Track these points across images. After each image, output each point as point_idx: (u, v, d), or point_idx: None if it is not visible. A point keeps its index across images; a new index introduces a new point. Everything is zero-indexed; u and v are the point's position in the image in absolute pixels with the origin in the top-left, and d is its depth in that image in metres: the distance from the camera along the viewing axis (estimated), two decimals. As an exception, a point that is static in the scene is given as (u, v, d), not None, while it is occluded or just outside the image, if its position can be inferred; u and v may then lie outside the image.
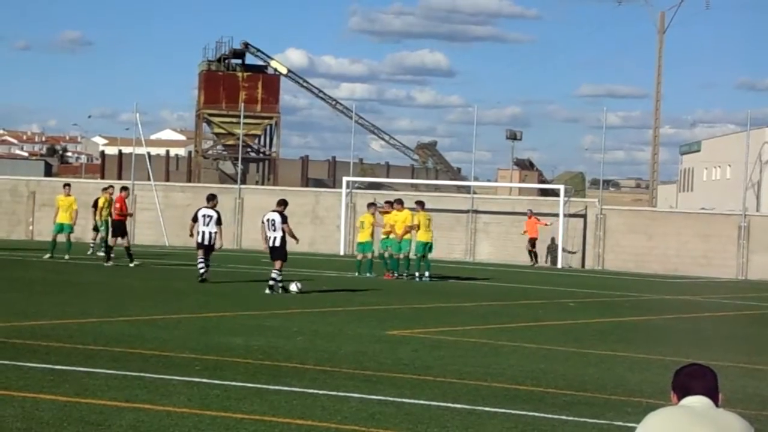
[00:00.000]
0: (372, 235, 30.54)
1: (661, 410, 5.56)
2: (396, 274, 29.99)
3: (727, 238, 43.26)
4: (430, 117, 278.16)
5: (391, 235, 29.95)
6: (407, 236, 29.93)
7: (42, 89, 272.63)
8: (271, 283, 22.93)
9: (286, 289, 22.90)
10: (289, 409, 10.11)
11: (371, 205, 32.32)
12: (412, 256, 30.27)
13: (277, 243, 23.17)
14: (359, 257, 30.94)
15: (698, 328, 21.39)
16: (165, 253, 38.49)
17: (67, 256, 31.10)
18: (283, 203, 23.92)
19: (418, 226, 29.96)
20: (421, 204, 31.10)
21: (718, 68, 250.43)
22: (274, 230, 23.22)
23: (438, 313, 21.45)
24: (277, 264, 23.05)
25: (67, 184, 34.07)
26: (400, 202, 30.75)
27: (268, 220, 23.44)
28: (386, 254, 30.28)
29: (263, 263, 34.02)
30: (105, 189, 34.63)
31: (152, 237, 45.52)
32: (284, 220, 23.30)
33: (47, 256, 31.17)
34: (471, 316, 20.87)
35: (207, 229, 24.97)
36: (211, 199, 26.27)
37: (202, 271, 24.78)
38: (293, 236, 23.52)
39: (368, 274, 30.05)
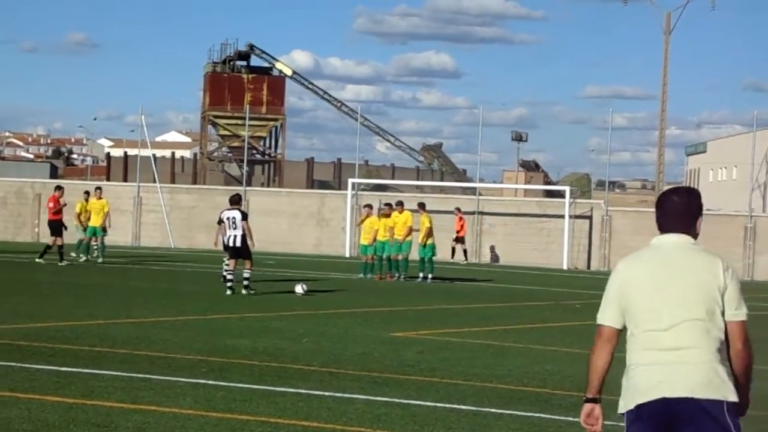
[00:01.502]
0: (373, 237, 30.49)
1: (631, 256, 5.61)
2: (398, 276, 29.96)
3: (733, 239, 43.19)
4: (436, 118, 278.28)
5: (392, 237, 29.91)
6: (408, 238, 29.94)
7: (48, 91, 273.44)
8: (246, 283, 22.42)
9: (230, 288, 22.37)
10: (295, 410, 10.12)
11: (367, 206, 32.60)
12: (418, 257, 30.25)
13: (239, 242, 22.56)
14: (363, 259, 31.03)
15: (704, 329, 21.36)
16: (170, 255, 38.51)
17: (83, 258, 31.37)
18: (238, 200, 23.27)
19: (431, 230, 30.15)
20: (422, 206, 31.11)
21: (724, 69, 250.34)
22: (235, 228, 22.58)
23: (443, 314, 21.45)
24: (247, 263, 22.59)
25: (98, 188, 34.29)
26: (400, 203, 30.76)
27: (228, 218, 22.76)
28: (384, 256, 30.27)
29: (268, 265, 34.04)
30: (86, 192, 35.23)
31: (158, 239, 45.58)
32: (244, 217, 22.76)
33: (99, 260, 31.46)
34: (477, 318, 20.86)
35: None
36: (237, 201, 25.95)
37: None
38: (251, 237, 22.80)
39: (361, 275, 30.19)
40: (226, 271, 23.05)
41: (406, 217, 30.08)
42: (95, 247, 32.68)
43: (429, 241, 30.20)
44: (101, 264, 30.93)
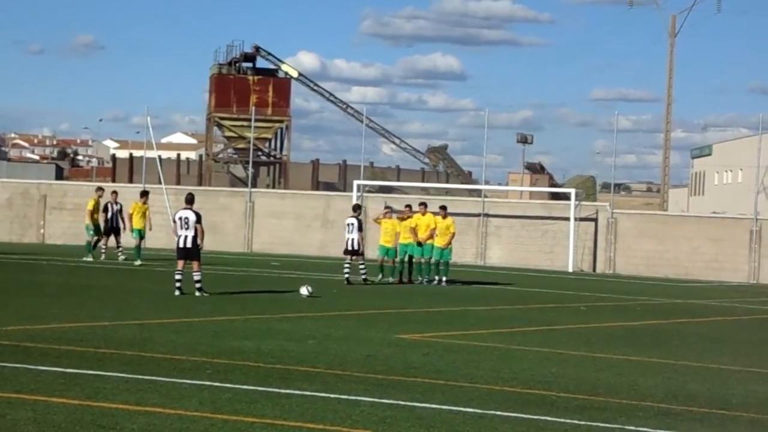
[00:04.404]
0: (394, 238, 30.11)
1: None
2: (421, 279, 29.71)
3: (739, 241, 43.20)
4: (442, 120, 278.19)
5: (413, 239, 29.66)
6: (430, 240, 29.63)
7: (54, 93, 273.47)
8: (198, 285, 22.14)
9: (179, 289, 22.11)
10: (300, 412, 10.12)
11: (387, 207, 32.47)
12: (433, 260, 29.96)
13: (189, 243, 22.27)
14: (379, 261, 30.58)
15: (709, 332, 21.36)
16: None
17: (138, 261, 31.38)
18: (192, 200, 22.85)
19: (454, 234, 29.88)
20: (445, 209, 30.60)
21: (730, 72, 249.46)
22: (187, 229, 22.26)
23: (449, 316, 21.43)
24: (195, 265, 22.26)
25: (146, 192, 34.40)
26: (424, 204, 30.48)
27: (180, 218, 22.41)
28: (405, 258, 30.03)
29: (273, 266, 34.08)
30: (97, 190, 35.50)
31: (163, 240, 45.53)
32: (198, 219, 22.36)
33: (138, 263, 31.49)
34: (482, 320, 20.85)
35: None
36: (357, 209, 28.90)
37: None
38: (202, 239, 22.46)
39: (390, 278, 29.90)
40: (177, 272, 22.42)
41: (429, 219, 29.81)
42: (102, 248, 32.83)
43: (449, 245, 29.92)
44: (138, 266, 31.00)
